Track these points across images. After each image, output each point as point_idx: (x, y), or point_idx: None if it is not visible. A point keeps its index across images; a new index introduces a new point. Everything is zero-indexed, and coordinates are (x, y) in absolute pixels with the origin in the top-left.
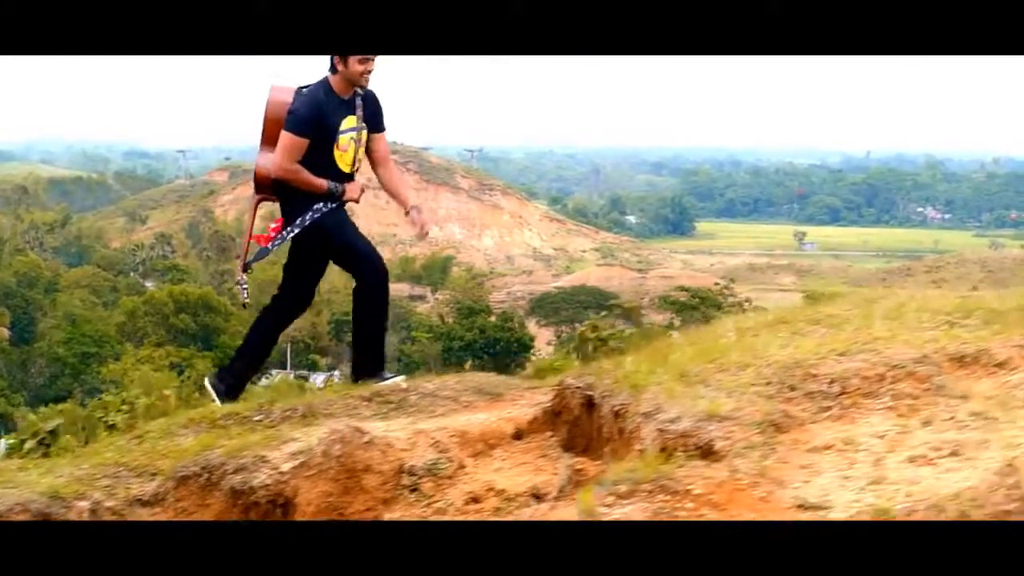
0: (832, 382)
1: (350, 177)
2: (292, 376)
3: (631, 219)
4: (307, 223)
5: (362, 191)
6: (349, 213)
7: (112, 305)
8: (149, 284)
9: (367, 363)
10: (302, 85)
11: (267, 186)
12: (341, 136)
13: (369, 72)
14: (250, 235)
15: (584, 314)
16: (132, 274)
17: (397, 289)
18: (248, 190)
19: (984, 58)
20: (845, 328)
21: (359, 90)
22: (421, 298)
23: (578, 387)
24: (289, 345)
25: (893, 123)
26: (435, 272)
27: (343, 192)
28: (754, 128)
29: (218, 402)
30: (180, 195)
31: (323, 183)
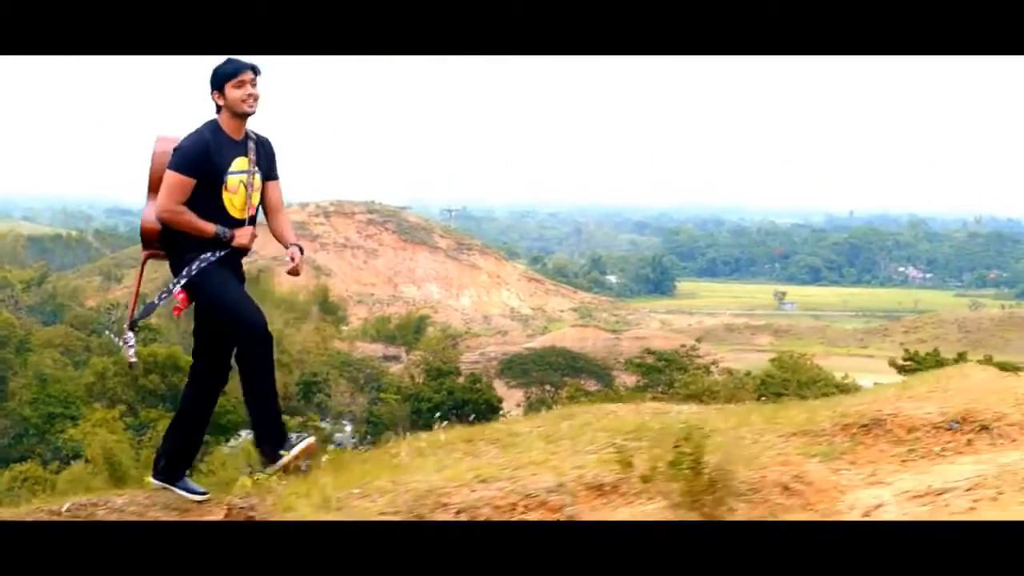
0: (460, 512)
1: (241, 223)
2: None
3: (611, 279)
4: (194, 272)
5: (253, 236)
6: (251, 270)
7: (84, 365)
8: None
9: (266, 436)
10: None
11: (154, 240)
12: (230, 177)
13: (251, 98)
14: (137, 292)
15: (553, 376)
16: (106, 333)
17: (371, 349)
18: None
19: (969, 111)
20: (515, 448)
21: (251, 134)
22: (395, 358)
23: (241, 507)
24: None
25: (877, 183)
26: (409, 332)
27: (231, 237)
28: (739, 185)
29: (154, 483)
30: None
31: (210, 227)
